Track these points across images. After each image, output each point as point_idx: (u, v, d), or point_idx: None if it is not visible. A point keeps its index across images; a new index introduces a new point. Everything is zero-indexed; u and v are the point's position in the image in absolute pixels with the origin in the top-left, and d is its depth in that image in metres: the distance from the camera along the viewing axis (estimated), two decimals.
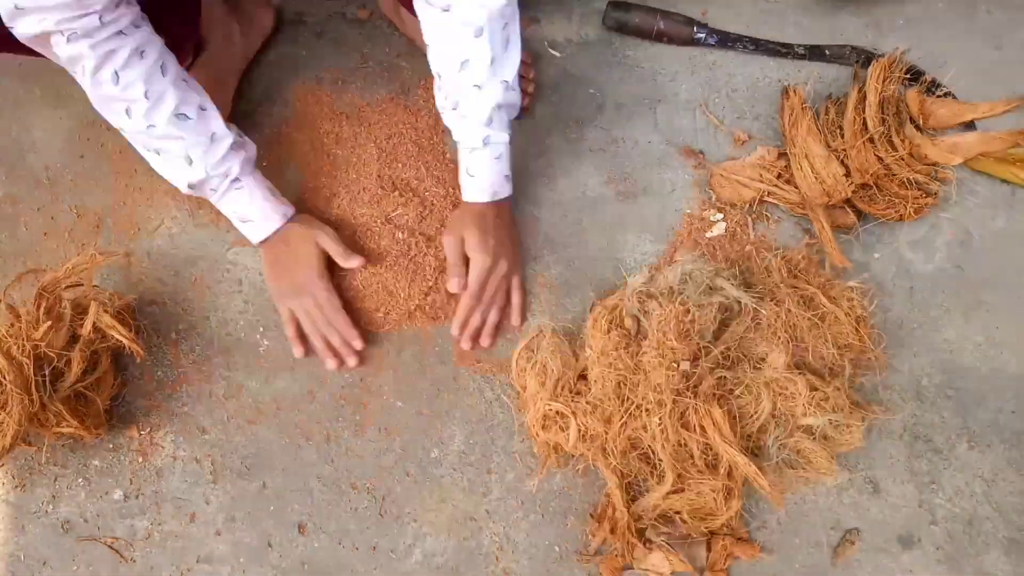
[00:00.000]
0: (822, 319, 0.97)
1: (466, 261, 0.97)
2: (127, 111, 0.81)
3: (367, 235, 1.01)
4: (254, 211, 0.93)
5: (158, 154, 0.87)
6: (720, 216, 1.07)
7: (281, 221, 0.95)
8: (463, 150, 0.93)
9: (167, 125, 0.83)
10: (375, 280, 0.99)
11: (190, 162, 0.87)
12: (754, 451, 0.92)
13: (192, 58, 1.03)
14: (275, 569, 0.93)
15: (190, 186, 0.89)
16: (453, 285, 0.96)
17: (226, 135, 0.88)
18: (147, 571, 0.92)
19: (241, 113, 1.08)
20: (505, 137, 0.92)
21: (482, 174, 0.93)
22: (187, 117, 0.84)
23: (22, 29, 0.73)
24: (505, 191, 0.96)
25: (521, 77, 1.10)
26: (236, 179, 0.91)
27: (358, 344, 0.96)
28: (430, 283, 1.00)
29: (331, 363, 0.97)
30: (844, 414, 0.91)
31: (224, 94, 1.05)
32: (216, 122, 0.87)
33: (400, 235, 1.00)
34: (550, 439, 0.93)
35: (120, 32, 0.76)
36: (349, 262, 0.97)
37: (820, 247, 1.05)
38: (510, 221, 1.00)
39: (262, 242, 0.96)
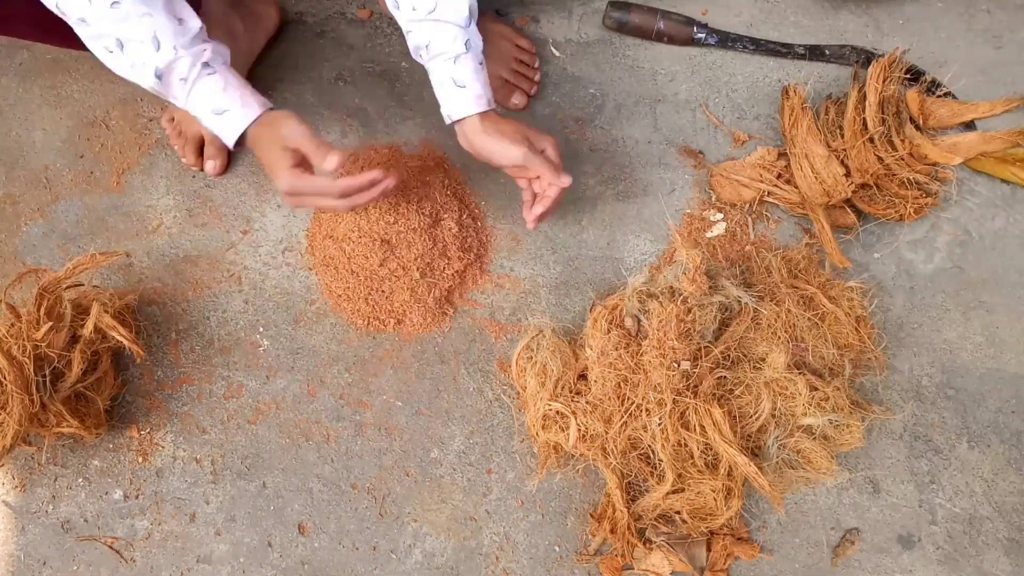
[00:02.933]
0: (822, 319, 0.97)
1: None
2: None
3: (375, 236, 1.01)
4: (229, 99, 0.81)
5: (121, 48, 0.78)
6: (720, 216, 1.07)
7: (261, 108, 0.83)
8: (444, 64, 0.85)
9: (131, 3, 0.75)
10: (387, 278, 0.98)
11: (158, 45, 0.77)
12: (754, 451, 0.92)
13: None
14: (275, 569, 0.93)
15: (157, 75, 0.79)
16: (567, 180, 0.89)
17: (195, 22, 0.80)
18: (147, 571, 0.92)
19: None
20: (481, 43, 0.87)
21: (473, 81, 0.86)
22: None
23: None
24: (494, 102, 0.90)
25: (527, 66, 1.10)
26: (207, 64, 0.80)
27: (384, 179, 0.86)
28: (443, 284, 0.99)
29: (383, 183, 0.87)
30: (844, 414, 0.91)
31: None
32: (186, 9, 0.80)
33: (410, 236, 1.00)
34: (550, 439, 0.93)
35: None
36: (326, 161, 0.81)
37: (820, 247, 1.05)
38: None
39: (240, 140, 0.84)
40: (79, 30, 0.79)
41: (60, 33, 0.90)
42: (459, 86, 0.86)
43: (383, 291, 0.99)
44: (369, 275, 0.98)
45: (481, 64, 0.87)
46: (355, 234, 0.97)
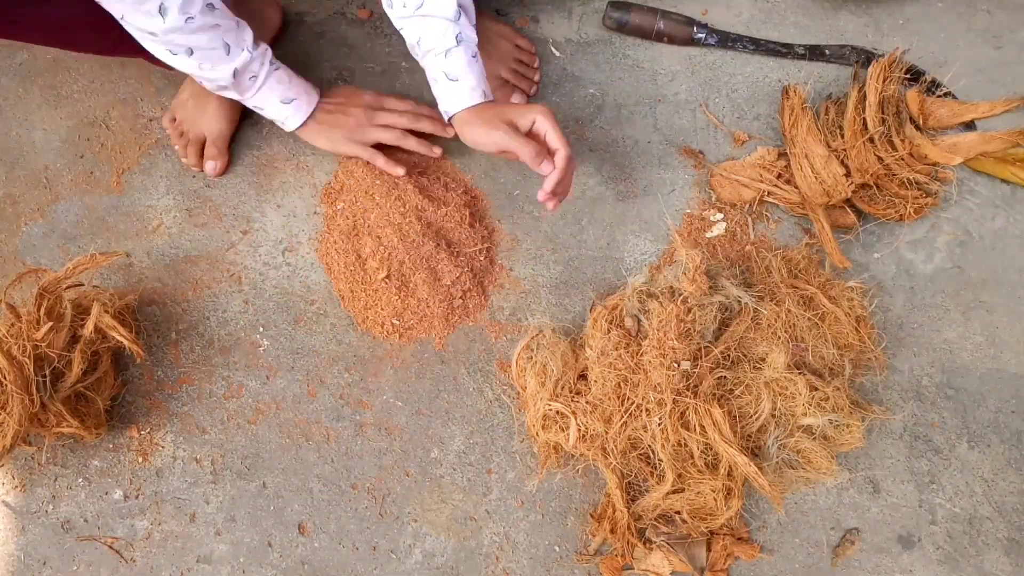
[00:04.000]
0: (822, 319, 0.97)
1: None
2: (161, 8, 0.78)
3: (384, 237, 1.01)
4: (296, 88, 0.94)
5: (191, 54, 0.83)
6: (720, 216, 1.07)
7: (317, 93, 0.98)
8: (435, 59, 0.86)
9: (202, 16, 0.80)
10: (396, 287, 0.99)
11: (228, 49, 0.85)
12: (754, 451, 0.92)
13: None
14: (275, 569, 0.93)
15: (235, 74, 0.87)
16: (546, 167, 0.85)
17: (241, 21, 0.87)
18: (147, 571, 0.92)
19: (246, 112, 1.07)
20: (475, 36, 0.86)
21: (466, 75, 0.86)
22: (214, 7, 0.82)
23: None
24: (491, 94, 0.89)
25: (527, 66, 1.11)
26: (273, 61, 0.91)
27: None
28: (448, 287, 0.99)
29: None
30: (844, 414, 0.91)
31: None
32: (229, 11, 0.85)
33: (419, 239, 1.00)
34: (550, 439, 0.93)
35: None
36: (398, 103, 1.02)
37: (820, 247, 1.05)
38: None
39: (306, 120, 0.97)
40: (144, 41, 0.83)
41: (72, 38, 0.91)
42: (451, 80, 0.86)
43: (409, 298, 0.99)
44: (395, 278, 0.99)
45: (475, 57, 0.86)
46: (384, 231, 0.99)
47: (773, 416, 0.90)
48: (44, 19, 0.84)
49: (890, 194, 1.04)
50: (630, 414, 0.90)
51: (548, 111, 0.85)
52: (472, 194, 1.07)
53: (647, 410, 0.89)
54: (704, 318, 0.91)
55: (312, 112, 0.96)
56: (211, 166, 1.04)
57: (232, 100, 1.05)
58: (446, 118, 0.89)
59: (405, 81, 1.12)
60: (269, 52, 0.90)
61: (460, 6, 0.84)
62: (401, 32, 0.88)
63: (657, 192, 1.09)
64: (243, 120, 1.07)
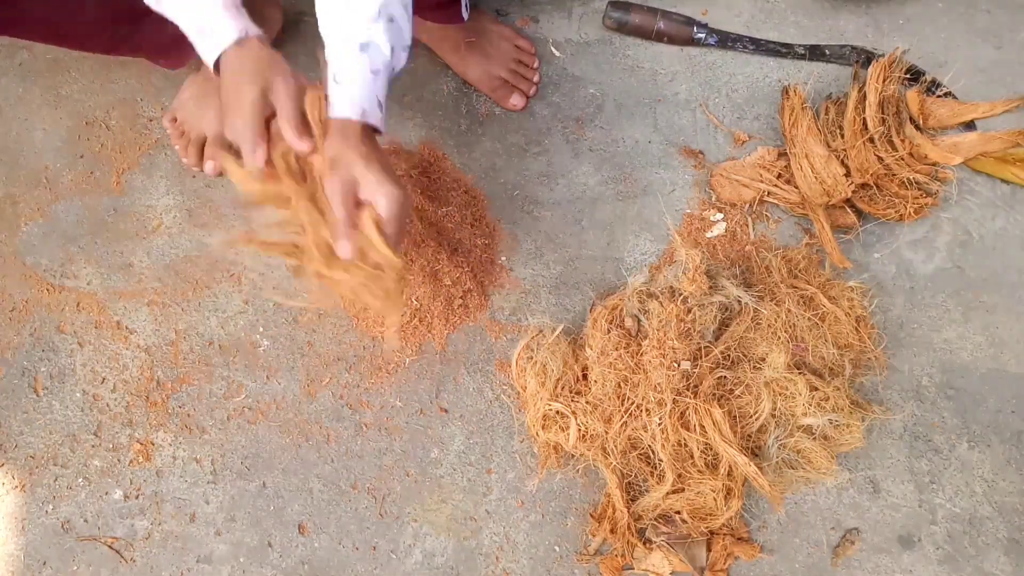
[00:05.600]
0: (822, 319, 0.97)
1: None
2: None
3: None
4: (208, 17, 0.73)
5: None
6: (720, 216, 1.07)
7: (237, 33, 0.72)
8: (334, 53, 0.75)
9: None
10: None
11: None
12: (754, 451, 0.92)
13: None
14: (275, 569, 0.93)
15: None
16: (344, 249, 0.71)
17: None
18: (147, 571, 0.92)
19: None
20: (387, 54, 0.75)
21: (351, 83, 0.73)
22: None
23: None
24: (375, 117, 0.74)
25: (526, 67, 1.11)
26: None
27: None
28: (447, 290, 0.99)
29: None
30: (844, 414, 0.91)
31: None
32: None
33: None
34: (550, 439, 0.93)
35: None
36: (300, 143, 0.71)
37: (820, 247, 1.05)
38: (385, 156, 0.77)
39: (215, 66, 0.74)
40: None
41: (70, 36, 0.90)
42: (336, 82, 0.75)
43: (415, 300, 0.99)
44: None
45: (375, 73, 0.75)
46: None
47: (773, 416, 0.90)
48: (41, 18, 0.84)
49: (890, 194, 1.04)
50: (630, 414, 0.90)
51: (401, 199, 0.72)
52: (472, 194, 1.07)
53: (647, 410, 0.89)
54: (704, 318, 0.91)
55: (225, 54, 0.73)
56: (210, 166, 1.04)
57: None
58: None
59: (405, 81, 1.12)
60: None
61: (387, 11, 0.75)
62: (321, 18, 0.78)
63: (657, 192, 1.09)
64: None
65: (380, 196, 0.70)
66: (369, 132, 0.75)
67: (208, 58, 0.74)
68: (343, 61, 0.75)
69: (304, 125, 0.71)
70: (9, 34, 0.85)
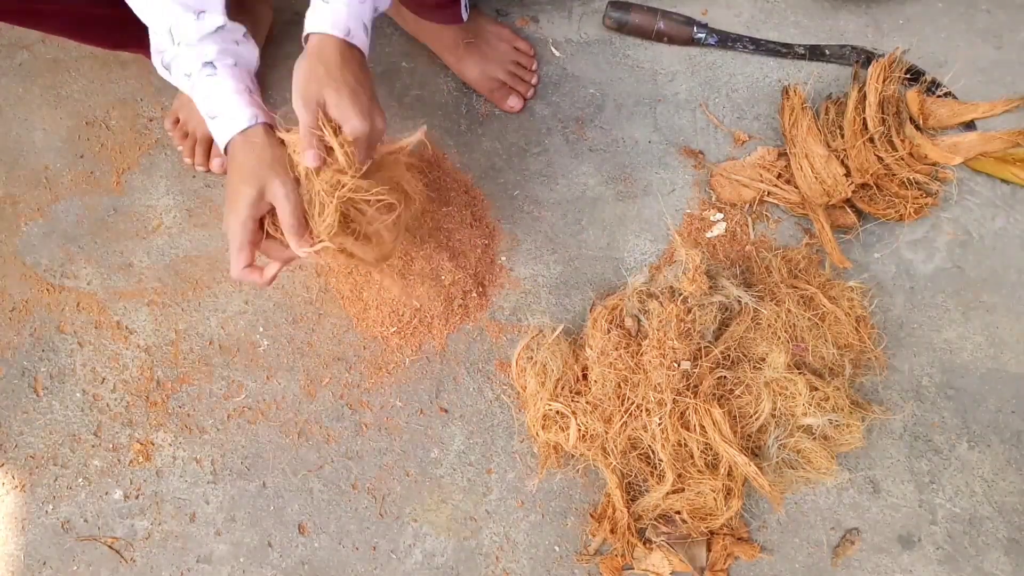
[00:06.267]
0: (822, 319, 0.97)
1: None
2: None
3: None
4: (221, 104, 0.75)
5: (153, 36, 0.77)
6: (720, 216, 1.07)
7: (249, 121, 0.74)
8: None
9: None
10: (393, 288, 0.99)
11: (172, 38, 0.75)
12: (754, 451, 0.92)
13: None
14: (275, 569, 0.93)
15: (164, 65, 0.77)
16: (310, 159, 0.72)
17: (217, 18, 0.76)
18: (147, 571, 0.92)
19: None
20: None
21: (339, 2, 0.73)
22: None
23: None
24: (361, 39, 0.76)
25: (524, 69, 1.11)
26: (210, 63, 0.75)
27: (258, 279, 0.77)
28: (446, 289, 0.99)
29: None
30: (844, 414, 0.91)
31: None
32: (211, 2, 0.76)
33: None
34: (550, 439, 0.93)
35: None
36: (298, 246, 0.74)
37: (820, 247, 1.05)
38: (370, 78, 0.78)
39: (227, 147, 0.77)
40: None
41: (92, 32, 0.91)
42: (324, 0, 0.74)
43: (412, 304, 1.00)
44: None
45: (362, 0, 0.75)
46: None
47: (773, 416, 0.90)
48: (64, 12, 0.84)
49: (890, 194, 1.04)
50: (630, 414, 0.90)
51: (362, 132, 0.73)
52: (472, 194, 1.07)
53: (647, 410, 0.89)
54: (704, 318, 0.91)
55: (233, 140, 0.76)
56: (218, 163, 1.04)
57: None
58: (303, 35, 0.76)
59: (405, 81, 1.12)
60: (214, 52, 0.76)
61: None
62: None
63: (657, 192, 1.09)
64: None
65: (344, 123, 0.72)
66: (350, 54, 0.75)
67: (220, 144, 0.77)
68: None
69: (303, 227, 0.74)
70: (27, 25, 0.86)
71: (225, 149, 0.77)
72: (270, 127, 0.76)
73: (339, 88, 0.72)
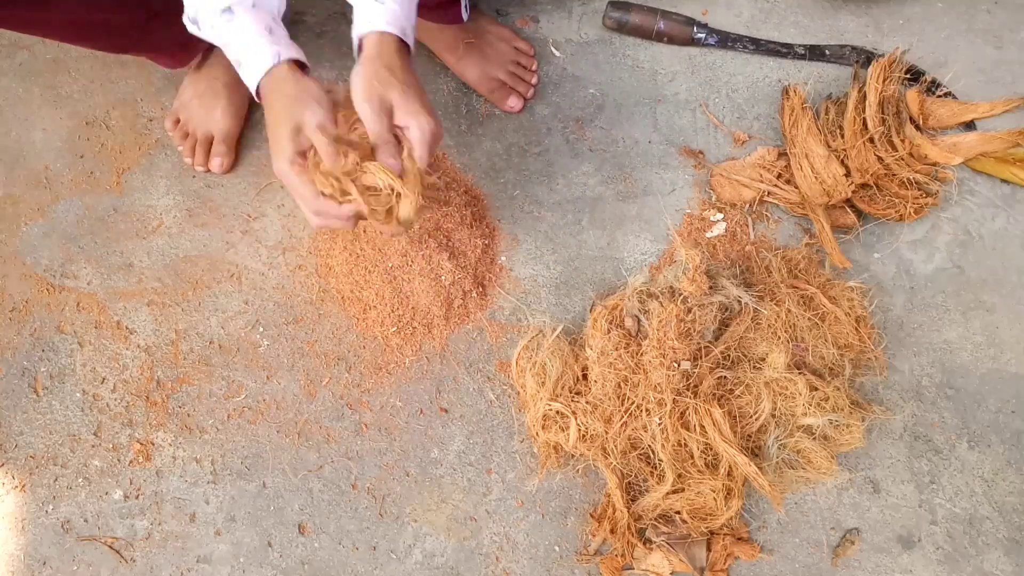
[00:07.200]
0: (822, 319, 0.97)
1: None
2: None
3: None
4: (243, 50, 0.74)
5: None
6: (720, 216, 1.07)
7: (272, 61, 0.72)
8: None
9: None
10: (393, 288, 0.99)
11: None
12: (754, 451, 0.92)
13: (202, 57, 1.03)
14: (275, 569, 0.93)
15: (192, 20, 0.76)
16: (395, 166, 0.71)
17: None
18: (147, 571, 0.92)
19: (249, 112, 1.07)
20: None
21: (392, 2, 0.73)
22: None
23: None
24: (411, 38, 0.76)
25: (525, 69, 1.11)
26: (228, 9, 0.73)
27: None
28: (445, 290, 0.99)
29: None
30: (844, 414, 0.91)
31: (240, 94, 1.05)
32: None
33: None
34: (550, 439, 0.93)
35: None
36: (336, 163, 0.70)
37: (820, 247, 1.05)
38: (420, 86, 0.77)
39: (259, 94, 0.75)
40: None
41: (94, 37, 0.91)
42: (379, 1, 0.74)
43: (407, 299, 0.99)
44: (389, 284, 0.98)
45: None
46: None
47: (773, 416, 0.90)
48: (72, 21, 0.84)
49: (890, 194, 1.04)
50: (630, 414, 0.90)
51: (433, 131, 0.73)
52: (472, 194, 1.07)
53: (647, 410, 0.89)
54: (704, 318, 0.91)
55: (263, 84, 0.74)
56: (217, 163, 1.04)
57: (239, 98, 1.05)
58: (356, 37, 0.76)
59: None
60: None
61: None
62: None
63: (657, 192, 1.09)
64: (244, 121, 1.07)
65: (414, 125, 0.71)
66: (406, 53, 0.75)
67: (251, 89, 0.75)
68: None
69: (339, 156, 0.70)
70: (29, 32, 0.86)
71: (258, 95, 0.75)
72: (297, 63, 0.74)
73: (405, 90, 0.71)
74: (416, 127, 0.72)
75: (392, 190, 0.71)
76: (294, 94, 0.72)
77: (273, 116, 0.73)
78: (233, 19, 0.74)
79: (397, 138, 0.73)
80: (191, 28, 0.77)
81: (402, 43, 0.74)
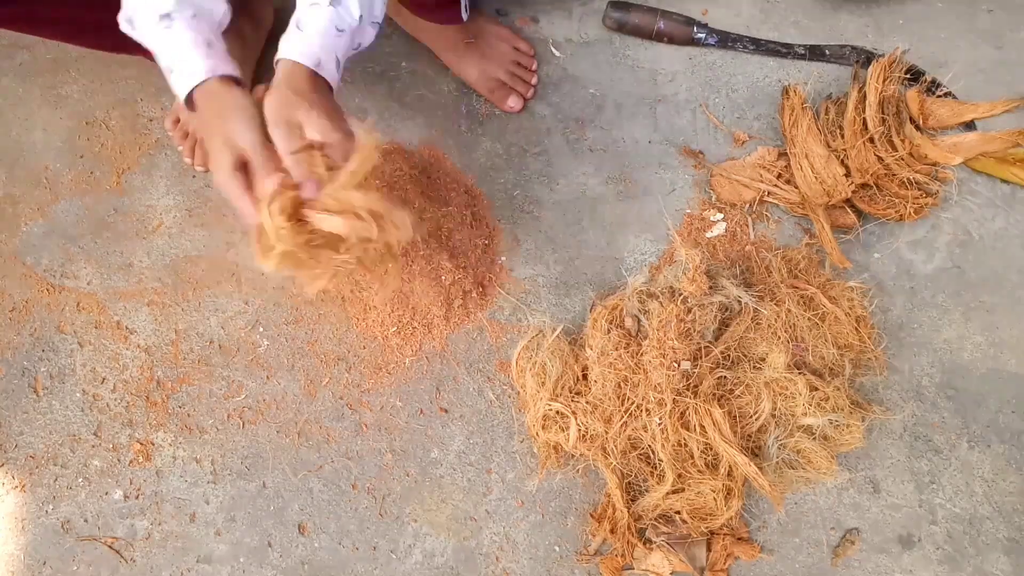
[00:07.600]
0: (822, 319, 0.97)
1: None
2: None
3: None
4: (176, 60, 0.73)
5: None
6: (720, 216, 1.07)
7: (204, 75, 0.72)
8: (304, 2, 0.75)
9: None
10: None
11: None
12: (754, 451, 0.92)
13: None
14: (275, 569, 0.93)
15: (127, 20, 0.75)
16: (310, 190, 0.70)
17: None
18: (147, 571, 0.92)
19: None
20: (355, 18, 0.75)
21: (312, 32, 0.73)
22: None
23: None
24: (330, 73, 0.75)
25: (524, 69, 1.11)
26: (167, 15, 0.72)
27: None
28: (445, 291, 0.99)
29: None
30: (844, 414, 0.91)
31: None
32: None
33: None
34: (550, 439, 0.93)
35: None
36: (265, 183, 0.70)
37: (820, 247, 1.05)
38: (340, 111, 0.77)
39: (188, 103, 0.74)
40: None
41: (89, 36, 0.91)
42: (298, 28, 0.75)
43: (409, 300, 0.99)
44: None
45: (340, 31, 0.75)
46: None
47: (773, 416, 0.90)
48: (59, 17, 0.84)
49: (890, 194, 1.04)
50: (630, 414, 0.90)
51: (341, 149, 0.71)
52: (472, 194, 1.07)
53: (647, 410, 0.89)
54: (704, 318, 0.91)
55: (191, 96, 0.74)
56: None
57: None
58: (275, 59, 0.76)
59: (405, 81, 1.12)
60: (171, 4, 0.73)
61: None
62: None
63: (657, 192, 1.09)
64: None
65: (324, 137, 0.71)
66: (319, 83, 0.74)
67: (179, 98, 0.75)
68: (311, 11, 0.74)
69: (271, 169, 0.70)
70: (22, 30, 0.85)
71: (188, 104, 0.74)
72: (231, 79, 0.74)
73: (309, 108, 0.71)
74: (324, 140, 0.71)
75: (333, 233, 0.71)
76: (226, 108, 0.72)
77: (207, 129, 0.73)
78: (171, 27, 0.73)
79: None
80: (124, 27, 0.76)
81: (314, 75, 0.74)
